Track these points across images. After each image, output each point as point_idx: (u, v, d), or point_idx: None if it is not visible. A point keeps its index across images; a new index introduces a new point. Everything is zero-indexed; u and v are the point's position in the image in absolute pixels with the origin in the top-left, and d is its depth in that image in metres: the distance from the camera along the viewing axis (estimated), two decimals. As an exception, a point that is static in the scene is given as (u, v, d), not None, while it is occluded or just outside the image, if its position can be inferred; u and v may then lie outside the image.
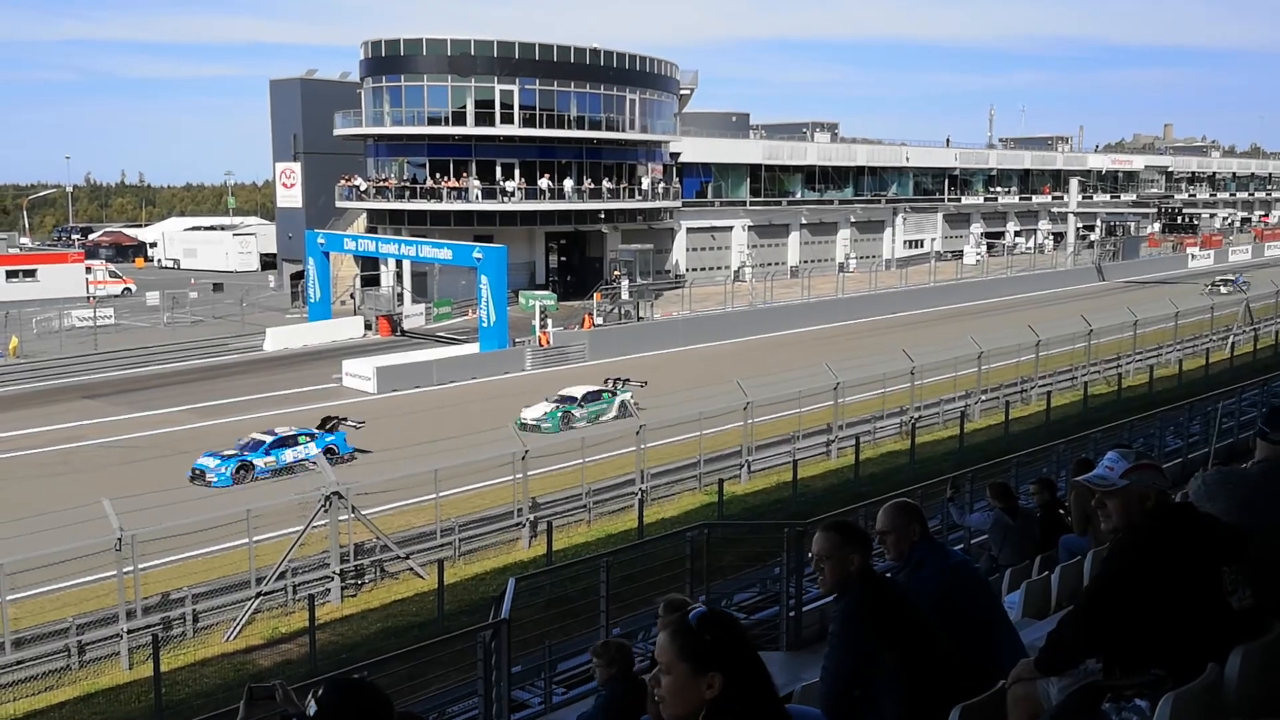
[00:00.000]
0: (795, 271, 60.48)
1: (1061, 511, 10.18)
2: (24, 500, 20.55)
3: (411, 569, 19.21)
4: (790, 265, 63.29)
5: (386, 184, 50.07)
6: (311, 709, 2.81)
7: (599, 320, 43.92)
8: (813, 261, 62.99)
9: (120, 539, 15.95)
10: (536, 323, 39.91)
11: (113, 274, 58.12)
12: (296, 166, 56.20)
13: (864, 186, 70.43)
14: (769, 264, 60.67)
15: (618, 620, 11.62)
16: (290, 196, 57.23)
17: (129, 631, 16.02)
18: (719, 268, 60.31)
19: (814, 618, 10.49)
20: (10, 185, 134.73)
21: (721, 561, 13.67)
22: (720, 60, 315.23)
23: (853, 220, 69.14)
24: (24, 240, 75.63)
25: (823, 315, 48.55)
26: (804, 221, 66.42)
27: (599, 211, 51.70)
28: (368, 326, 45.10)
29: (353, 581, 18.82)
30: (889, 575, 4.50)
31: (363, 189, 50.21)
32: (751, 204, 63.63)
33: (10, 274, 53.69)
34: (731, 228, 62.86)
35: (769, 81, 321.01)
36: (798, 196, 66.53)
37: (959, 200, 77.77)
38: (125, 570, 16.15)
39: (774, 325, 46.12)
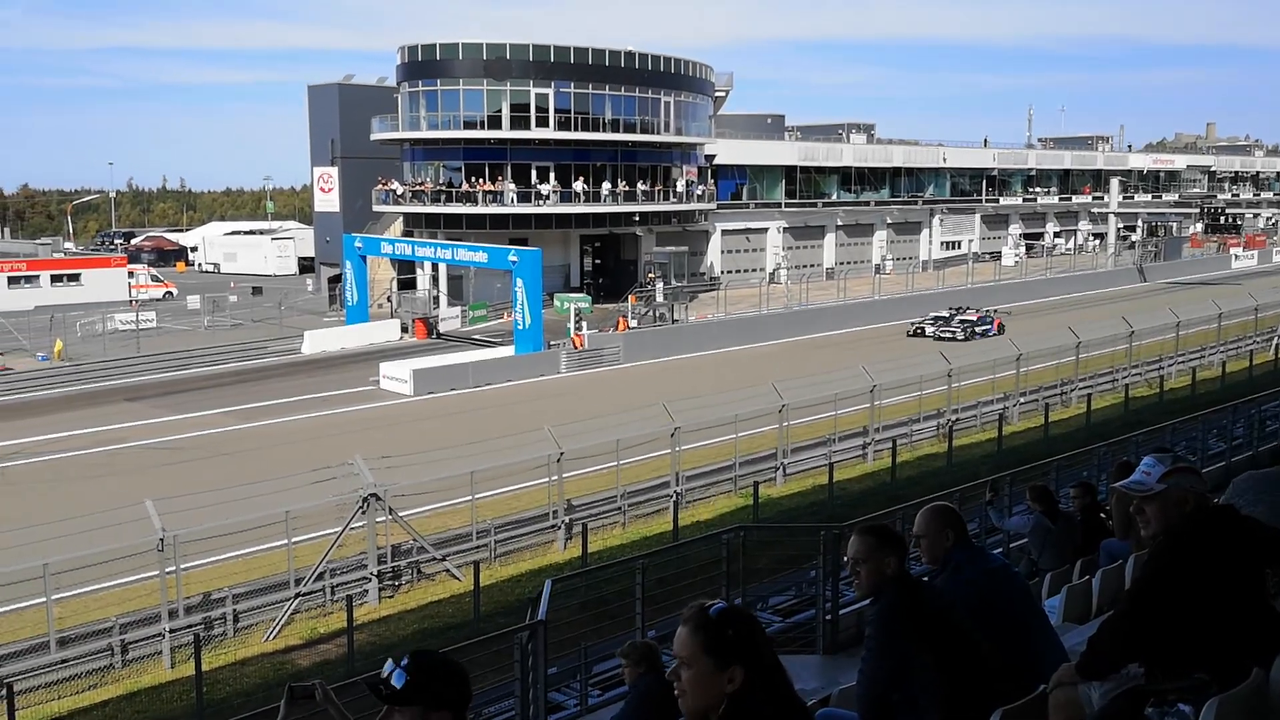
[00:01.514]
0: (831, 273, 60.18)
1: (1102, 515, 10.05)
2: (69, 501, 20.83)
3: (448, 570, 19.32)
4: (826, 267, 62.99)
5: (423, 188, 50.42)
6: (398, 679, 2.78)
7: (634, 323, 43.92)
8: (849, 263, 62.65)
9: (162, 539, 16.15)
10: (571, 325, 40.03)
11: (154, 278, 58.77)
12: (334, 171, 56.78)
13: (900, 187, 69.96)
14: (804, 266, 60.41)
15: (653, 622, 11.60)
16: (328, 201, 57.83)
17: (171, 631, 16.24)
18: (754, 270, 60.14)
19: (851, 621, 10.47)
20: (55, 191, 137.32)
21: (757, 564, 13.63)
22: (755, 62, 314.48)
23: (889, 222, 68.70)
24: (68, 245, 76.81)
25: (859, 317, 48.23)
26: (840, 223, 66.08)
27: (634, 214, 51.70)
28: (404, 329, 45.40)
29: (390, 583, 18.95)
30: (926, 579, 4.48)
31: (399, 193, 50.61)
32: (787, 206, 63.38)
33: (55, 278, 54.51)
34: (767, 229, 62.65)
35: (804, 83, 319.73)
36: (834, 198, 66.18)
37: (997, 201, 77.02)
38: (167, 570, 16.36)
39: (809, 327, 45.88)
